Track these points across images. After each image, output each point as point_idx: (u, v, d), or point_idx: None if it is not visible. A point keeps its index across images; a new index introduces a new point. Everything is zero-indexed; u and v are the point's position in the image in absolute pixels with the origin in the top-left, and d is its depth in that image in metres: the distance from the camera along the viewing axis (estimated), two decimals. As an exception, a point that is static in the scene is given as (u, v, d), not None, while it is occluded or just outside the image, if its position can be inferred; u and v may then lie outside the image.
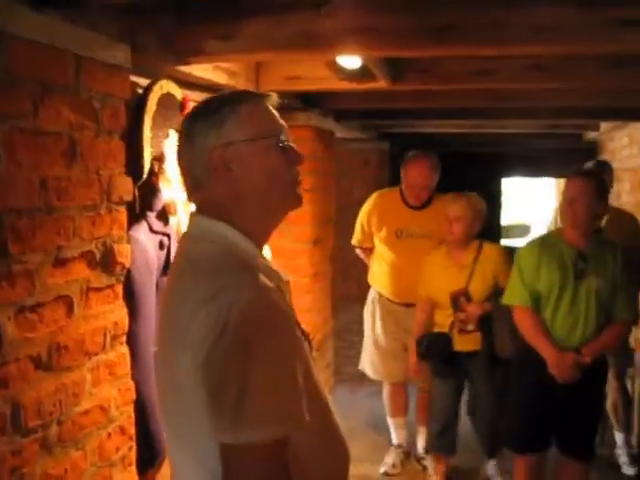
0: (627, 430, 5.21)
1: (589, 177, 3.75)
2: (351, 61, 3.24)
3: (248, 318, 1.44)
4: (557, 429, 3.93)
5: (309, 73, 3.58)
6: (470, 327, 4.23)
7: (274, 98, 1.72)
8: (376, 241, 4.81)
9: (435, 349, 4.30)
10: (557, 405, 3.84)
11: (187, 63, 2.94)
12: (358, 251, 5.07)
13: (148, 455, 2.67)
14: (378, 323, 4.92)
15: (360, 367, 5.11)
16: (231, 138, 1.60)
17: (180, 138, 1.68)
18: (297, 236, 4.21)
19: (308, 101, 4.27)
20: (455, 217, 4.23)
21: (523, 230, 17.41)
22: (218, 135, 1.60)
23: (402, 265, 4.60)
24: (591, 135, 6.92)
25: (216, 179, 1.61)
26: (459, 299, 4.23)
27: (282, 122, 1.71)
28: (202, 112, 1.68)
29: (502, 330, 4.18)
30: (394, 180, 4.86)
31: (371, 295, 5.01)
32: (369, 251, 4.95)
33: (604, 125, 6.27)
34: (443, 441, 4.56)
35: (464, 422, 4.59)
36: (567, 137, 7.42)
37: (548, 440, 3.97)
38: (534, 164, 11.27)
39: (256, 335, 1.44)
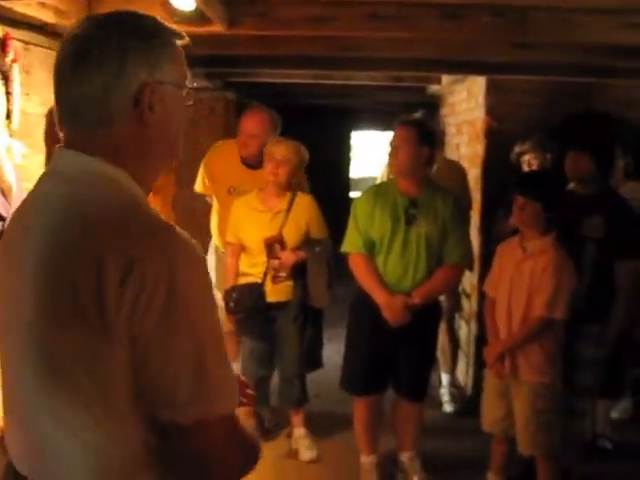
0: (452, 371, 5.48)
1: (410, 125, 3.89)
2: (185, 2, 3.16)
3: (191, 276, 1.29)
4: (392, 371, 4.08)
5: (144, 15, 3.46)
6: (283, 274, 4.25)
7: (185, 38, 1.50)
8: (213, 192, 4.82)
9: (246, 302, 4.26)
10: (392, 348, 3.99)
11: (7, -2, 2.78)
12: (208, 198, 5.06)
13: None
14: (212, 275, 4.92)
15: None
16: (164, 77, 1.40)
17: (90, 51, 1.36)
18: (136, 184, 4.08)
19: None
20: (282, 159, 4.20)
21: (373, 183, 17.77)
22: (152, 70, 1.39)
23: None
24: (434, 88, 7.08)
25: (132, 118, 1.39)
26: (274, 246, 4.23)
27: None
28: (133, 32, 1.39)
29: (317, 279, 4.23)
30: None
31: (211, 245, 5.03)
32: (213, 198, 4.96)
33: (445, 79, 6.44)
34: (258, 396, 4.57)
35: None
36: (412, 90, 7.56)
37: (384, 382, 4.12)
38: (383, 117, 11.46)
39: (200, 296, 1.32)
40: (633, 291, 3.78)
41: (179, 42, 1.46)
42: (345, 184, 12.30)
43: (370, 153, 14.99)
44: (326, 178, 10.74)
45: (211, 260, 5.05)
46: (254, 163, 4.69)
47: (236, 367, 5.24)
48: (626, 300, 3.79)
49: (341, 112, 10.91)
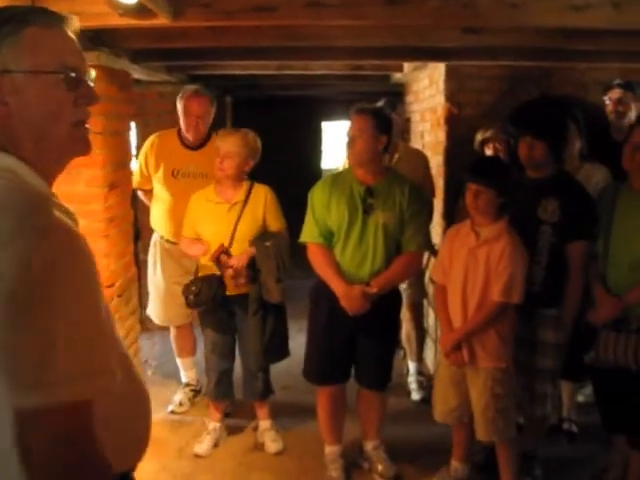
0: (419, 359, 5.48)
1: (367, 114, 3.85)
2: (126, -5, 3.12)
3: (51, 265, 1.27)
4: (354, 360, 4.08)
5: (88, 9, 3.41)
6: (242, 280, 4.20)
7: (75, 22, 1.49)
8: (154, 182, 4.82)
9: (205, 295, 4.22)
10: (351, 338, 3.99)
11: (-57, -6, 2.73)
12: (140, 194, 5.08)
13: None
14: (158, 267, 4.92)
15: (147, 313, 5.13)
16: (7, 66, 1.39)
17: None
18: (90, 180, 4.04)
19: (97, 40, 4.08)
20: (226, 153, 4.18)
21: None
22: None
23: (180, 205, 4.60)
24: (397, 76, 7.06)
25: None
26: (220, 257, 4.19)
27: (79, 52, 1.51)
28: None
29: (267, 275, 4.20)
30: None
31: (153, 239, 5.02)
32: (150, 193, 4.94)
33: (407, 66, 6.42)
34: (221, 389, 4.59)
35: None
36: (377, 79, 7.54)
37: (346, 371, 4.12)
38: (352, 107, 11.42)
39: (59, 284, 1.28)
40: (584, 272, 3.79)
41: (45, 25, 1.44)
42: (316, 175, 12.26)
43: (341, 143, 14.97)
44: (297, 169, 10.77)
45: (152, 253, 5.07)
46: (195, 145, 4.81)
47: (192, 361, 5.27)
48: (579, 280, 3.79)
49: (310, 103, 10.89)
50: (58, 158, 1.54)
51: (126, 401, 1.62)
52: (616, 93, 4.70)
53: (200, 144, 4.82)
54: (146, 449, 1.84)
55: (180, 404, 5.12)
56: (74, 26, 1.49)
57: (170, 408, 5.09)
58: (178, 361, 5.32)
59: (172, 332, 5.24)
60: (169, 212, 4.82)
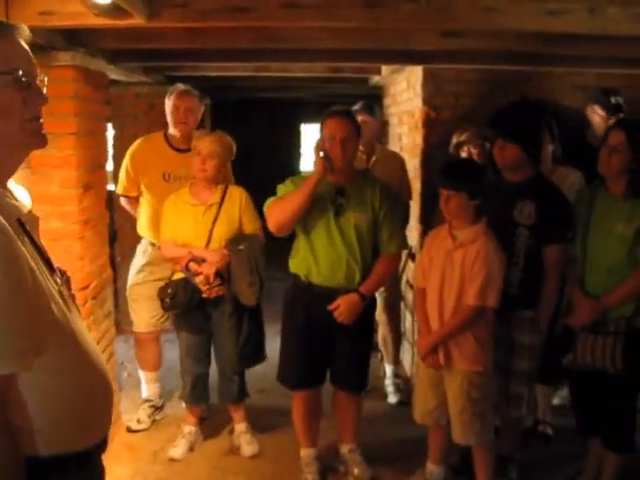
0: (396, 362, 5.48)
1: (349, 118, 3.86)
2: (101, -5, 3.09)
3: None
4: (329, 364, 4.06)
5: (63, 8, 3.37)
6: (216, 282, 4.17)
7: (25, 31, 1.70)
8: (143, 188, 4.69)
9: (181, 297, 4.21)
10: (326, 341, 3.97)
11: None
12: (123, 201, 4.90)
13: None
14: (145, 275, 4.78)
15: (134, 327, 4.99)
16: None
17: None
18: (63, 182, 3.98)
19: (74, 40, 4.04)
20: (209, 153, 4.16)
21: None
22: None
23: None
24: (375, 79, 7.06)
25: None
26: (189, 266, 4.16)
27: (29, 58, 1.70)
28: None
29: (239, 279, 4.16)
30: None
31: (142, 247, 4.84)
32: (135, 200, 4.81)
33: (385, 69, 6.41)
34: (196, 393, 4.54)
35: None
36: (356, 81, 7.54)
37: (321, 375, 4.10)
38: (329, 110, 11.40)
39: None
40: (560, 275, 3.80)
41: (14, 34, 1.68)
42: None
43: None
44: (275, 171, 10.73)
45: (141, 261, 4.87)
46: (183, 148, 4.70)
47: (155, 376, 5.11)
48: (554, 283, 3.81)
49: (289, 105, 10.88)
50: (11, 152, 1.72)
51: (73, 378, 1.73)
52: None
53: (188, 147, 4.57)
54: (106, 429, 1.91)
55: (138, 421, 4.88)
56: (24, 35, 1.71)
57: (128, 424, 4.87)
58: (140, 374, 5.11)
59: (136, 342, 5.07)
60: (158, 217, 4.65)
